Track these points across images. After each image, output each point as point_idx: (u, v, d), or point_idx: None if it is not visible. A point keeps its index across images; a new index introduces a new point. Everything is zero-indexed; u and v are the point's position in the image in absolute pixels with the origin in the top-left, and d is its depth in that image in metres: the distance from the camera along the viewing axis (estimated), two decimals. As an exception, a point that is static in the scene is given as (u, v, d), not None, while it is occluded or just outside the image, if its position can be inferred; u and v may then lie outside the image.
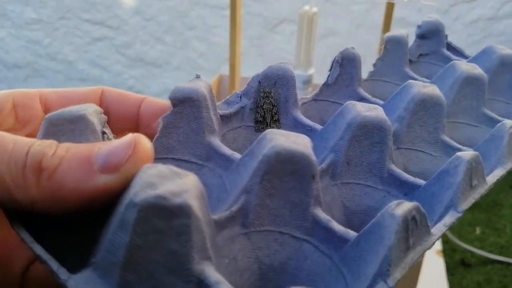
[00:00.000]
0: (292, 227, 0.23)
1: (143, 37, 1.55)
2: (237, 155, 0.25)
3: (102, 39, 1.59)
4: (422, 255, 0.21)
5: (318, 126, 0.30)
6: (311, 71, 0.77)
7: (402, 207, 0.20)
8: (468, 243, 1.17)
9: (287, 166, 0.22)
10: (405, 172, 0.31)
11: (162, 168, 0.18)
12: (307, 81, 0.76)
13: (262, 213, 0.22)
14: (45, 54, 1.64)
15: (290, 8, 1.36)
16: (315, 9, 0.74)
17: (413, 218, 0.20)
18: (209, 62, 1.52)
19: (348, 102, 0.28)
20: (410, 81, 0.33)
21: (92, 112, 0.23)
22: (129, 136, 0.20)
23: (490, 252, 1.14)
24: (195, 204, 0.18)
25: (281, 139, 0.22)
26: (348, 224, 0.27)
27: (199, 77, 0.27)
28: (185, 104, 0.26)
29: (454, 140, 0.33)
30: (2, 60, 1.67)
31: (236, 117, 0.31)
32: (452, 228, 1.17)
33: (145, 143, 0.20)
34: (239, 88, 0.59)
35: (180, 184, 0.18)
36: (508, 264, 1.11)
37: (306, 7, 0.74)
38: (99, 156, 0.19)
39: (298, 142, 0.22)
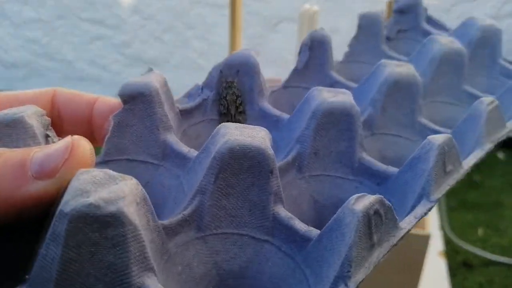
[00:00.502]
0: (252, 227, 0.21)
1: (142, 36, 1.55)
2: (195, 153, 0.24)
3: (101, 38, 1.58)
4: (390, 251, 0.20)
5: (286, 116, 0.29)
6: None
7: (363, 201, 0.18)
8: (470, 244, 1.16)
9: (243, 162, 0.20)
10: (382, 159, 0.30)
11: (96, 173, 0.17)
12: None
13: (219, 215, 0.21)
14: (44, 53, 1.63)
15: (290, 7, 1.35)
16: (315, 8, 0.73)
17: (376, 212, 0.18)
18: (209, 61, 1.51)
19: (314, 88, 0.27)
20: (383, 60, 0.32)
21: (31, 114, 0.21)
22: (67, 139, 0.19)
23: (492, 253, 1.14)
24: (132, 211, 0.16)
25: (235, 133, 0.21)
26: (318, 219, 0.26)
27: (152, 70, 0.26)
28: (136, 100, 0.24)
29: (434, 121, 0.32)
30: (1, 60, 1.66)
31: (198, 110, 0.29)
32: (454, 229, 1.16)
33: (84, 146, 0.19)
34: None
35: (115, 190, 0.16)
36: (510, 265, 1.10)
37: (307, 6, 0.73)
38: (34, 161, 0.18)
39: (253, 136, 0.21)
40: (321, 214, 0.26)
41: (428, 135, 0.31)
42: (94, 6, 1.53)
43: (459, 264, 1.12)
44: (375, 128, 0.31)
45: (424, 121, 0.31)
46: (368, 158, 0.26)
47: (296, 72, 0.34)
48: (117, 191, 0.16)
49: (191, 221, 0.21)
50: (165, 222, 0.20)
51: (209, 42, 1.50)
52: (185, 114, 0.28)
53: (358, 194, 0.19)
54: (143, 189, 0.18)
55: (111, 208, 0.16)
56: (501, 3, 1.32)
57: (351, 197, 0.19)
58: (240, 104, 0.29)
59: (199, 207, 0.21)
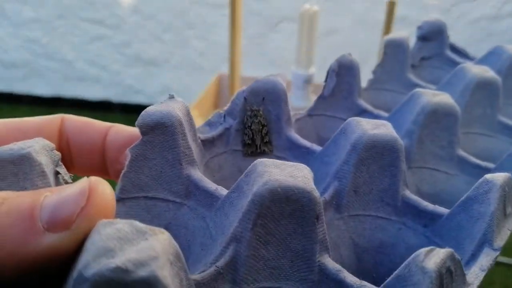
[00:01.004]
0: (295, 281, 0.19)
1: (142, 36, 1.54)
2: (223, 191, 0.21)
3: (100, 38, 1.57)
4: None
5: (316, 147, 0.27)
6: (312, 70, 0.75)
7: (434, 257, 0.16)
8: None
9: (285, 206, 0.18)
10: (419, 194, 0.27)
11: (121, 226, 0.14)
12: (308, 80, 0.74)
13: (257, 266, 0.18)
14: (43, 53, 1.62)
15: (290, 6, 1.35)
16: (316, 8, 0.72)
17: (448, 269, 0.16)
18: (209, 61, 1.51)
19: (350, 118, 0.25)
20: (418, 89, 0.29)
21: (39, 149, 0.18)
22: (83, 181, 0.16)
23: (492, 252, 1.12)
24: (166, 275, 0.13)
25: (275, 172, 0.18)
26: (359, 264, 0.23)
27: (173, 97, 0.23)
28: (157, 131, 0.22)
29: (468, 153, 0.30)
30: (0, 60, 1.65)
31: (221, 140, 0.27)
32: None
33: (104, 190, 0.16)
34: (239, 87, 0.56)
35: (145, 249, 0.13)
36: (510, 265, 1.08)
37: (307, 6, 0.72)
38: (45, 209, 0.15)
39: (296, 175, 0.18)
40: (361, 259, 0.24)
41: (468, 169, 0.28)
42: (94, 6, 1.52)
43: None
44: (411, 162, 0.28)
45: (463, 154, 0.29)
46: (412, 196, 0.24)
47: (322, 99, 0.32)
48: (148, 250, 0.13)
49: (225, 274, 0.18)
50: (197, 277, 0.17)
51: (209, 42, 1.49)
52: (206, 144, 0.26)
53: (426, 248, 0.16)
54: (176, 245, 0.15)
55: (142, 273, 0.13)
56: (501, 3, 1.32)
57: (418, 251, 0.16)
58: (266, 134, 0.27)
59: (234, 258, 0.18)
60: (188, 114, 0.24)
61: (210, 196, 0.22)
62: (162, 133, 0.22)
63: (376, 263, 0.23)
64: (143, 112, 0.22)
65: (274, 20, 1.43)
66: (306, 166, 0.20)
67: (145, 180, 0.22)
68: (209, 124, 0.27)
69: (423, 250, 0.16)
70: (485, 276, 0.19)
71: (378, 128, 0.24)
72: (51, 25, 1.58)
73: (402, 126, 0.29)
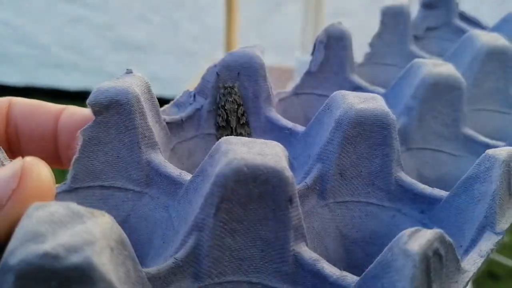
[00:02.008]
0: (266, 273, 0.18)
1: (127, 17, 1.53)
2: (188, 176, 0.21)
3: (79, 19, 1.56)
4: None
5: (300, 128, 0.26)
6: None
7: (419, 238, 0.15)
8: (496, 253, 1.14)
9: (252, 188, 0.18)
10: (420, 179, 0.27)
11: (55, 208, 0.14)
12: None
13: (222, 258, 0.18)
14: (15, 37, 1.60)
15: None
16: None
17: (436, 252, 0.16)
18: (202, 47, 1.49)
19: (336, 92, 0.25)
20: (417, 59, 0.29)
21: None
22: (16, 163, 0.16)
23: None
24: (105, 261, 0.13)
25: (241, 150, 0.18)
26: (347, 257, 0.23)
27: (131, 72, 0.23)
28: (111, 110, 0.22)
29: (478, 133, 0.30)
30: None
31: (190, 123, 0.27)
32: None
33: (38, 171, 0.16)
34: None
35: (81, 233, 0.13)
36: None
37: None
38: None
39: (265, 153, 0.18)
40: (349, 252, 0.23)
41: (476, 149, 0.28)
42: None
43: (484, 275, 1.10)
44: (411, 142, 0.28)
45: (469, 132, 0.29)
46: (407, 179, 0.24)
47: (309, 76, 0.32)
48: (83, 233, 0.13)
49: (185, 267, 0.18)
50: (152, 270, 0.17)
51: (202, 24, 1.47)
52: (174, 127, 0.26)
53: (411, 229, 0.16)
54: (120, 228, 0.15)
55: (75, 259, 0.13)
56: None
57: (401, 233, 0.16)
58: (243, 114, 0.27)
59: (195, 248, 0.18)
60: (148, 91, 0.24)
61: (173, 183, 0.22)
62: (117, 113, 0.22)
63: (367, 255, 0.23)
64: (95, 89, 0.22)
65: (276, 0, 1.42)
66: (278, 143, 0.19)
67: (100, 167, 0.22)
68: (177, 104, 0.27)
69: (407, 230, 0.16)
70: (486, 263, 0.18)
71: (366, 101, 0.24)
72: (24, 5, 1.56)
73: (400, 102, 0.29)
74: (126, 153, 0.22)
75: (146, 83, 0.23)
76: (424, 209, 0.23)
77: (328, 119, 0.24)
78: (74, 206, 0.14)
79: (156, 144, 0.23)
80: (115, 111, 0.22)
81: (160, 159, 0.22)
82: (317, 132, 0.25)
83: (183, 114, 0.26)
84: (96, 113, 0.22)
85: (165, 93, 1.02)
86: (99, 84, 0.22)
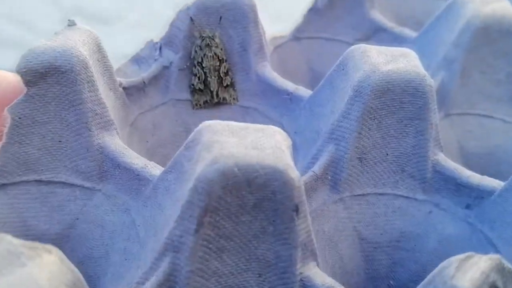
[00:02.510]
0: None
1: None
2: (156, 169, 0.21)
3: None
4: None
5: (304, 91, 0.26)
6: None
7: (471, 269, 0.15)
8: None
9: (246, 195, 0.17)
10: (461, 156, 0.27)
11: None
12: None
13: (206, 286, 0.18)
14: None
15: None
16: None
17: (493, 286, 0.15)
18: None
19: (354, 47, 0.24)
20: (461, -6, 0.29)
21: None
22: None
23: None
24: None
25: (230, 142, 0.18)
26: (368, 267, 0.23)
27: (74, 24, 0.23)
28: (49, 79, 0.21)
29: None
30: None
31: (156, 86, 0.27)
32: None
33: None
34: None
35: (21, 282, 0.13)
36: None
37: None
38: None
39: (262, 145, 0.18)
40: (371, 260, 0.24)
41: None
42: None
43: None
44: (451, 106, 0.28)
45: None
46: (449, 164, 0.23)
47: (314, 14, 0.31)
48: (24, 283, 0.13)
49: None
50: None
51: None
52: (134, 93, 0.26)
53: (460, 256, 0.16)
54: (72, 267, 0.15)
55: None
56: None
57: (447, 262, 0.16)
58: (226, 73, 0.27)
59: (170, 275, 0.18)
60: (99, 49, 0.23)
61: (136, 178, 0.21)
62: (58, 83, 0.21)
63: (394, 264, 0.23)
64: (26, 51, 0.21)
65: None
66: (279, 129, 0.19)
67: (36, 155, 0.22)
68: (138, 60, 0.27)
69: (455, 259, 0.16)
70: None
71: (395, 61, 0.23)
72: None
73: (437, 51, 0.28)
74: (71, 136, 0.22)
75: (95, 38, 0.23)
76: (470, 203, 0.23)
77: (343, 83, 0.24)
78: (9, 240, 0.14)
79: (111, 123, 0.22)
80: (54, 81, 0.21)
81: (117, 144, 0.22)
82: (328, 100, 0.24)
83: (145, 74, 0.26)
84: (28, 83, 0.21)
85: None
86: (32, 47, 0.21)
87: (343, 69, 0.24)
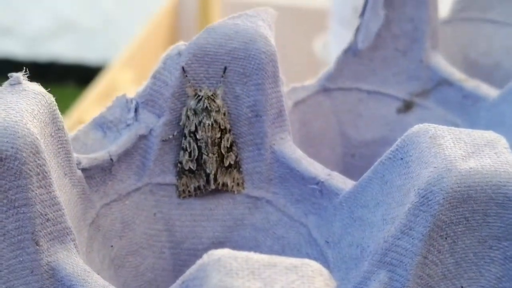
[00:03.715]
0: None
1: None
2: None
3: None
4: None
5: (341, 180, 0.26)
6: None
7: None
8: None
9: None
10: None
11: None
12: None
13: None
14: None
15: None
16: None
17: None
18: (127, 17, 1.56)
19: (417, 128, 0.24)
20: None
21: None
22: None
23: None
24: None
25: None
26: None
27: (18, 83, 0.23)
28: None
29: None
30: None
31: (128, 164, 0.27)
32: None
33: None
34: (221, 15, 0.57)
35: None
36: None
37: None
38: None
39: None
40: None
41: None
42: None
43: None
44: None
45: None
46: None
47: (351, 56, 0.31)
48: None
49: None
50: None
51: None
52: (96, 174, 0.26)
53: None
54: None
55: None
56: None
57: None
58: (230, 148, 0.27)
59: None
60: (53, 120, 0.23)
61: None
62: None
63: None
64: None
65: None
66: (320, 267, 0.19)
67: None
68: (102, 125, 0.27)
69: None
70: None
71: (478, 153, 0.23)
72: None
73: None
74: (8, 251, 0.22)
75: (49, 104, 0.23)
76: None
77: (402, 179, 0.24)
78: None
79: (67, 231, 0.22)
80: None
81: (76, 264, 0.22)
82: (377, 201, 0.24)
83: (113, 147, 0.26)
84: None
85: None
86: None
87: (401, 159, 0.24)
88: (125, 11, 1.63)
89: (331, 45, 0.74)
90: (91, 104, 0.73)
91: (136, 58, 0.81)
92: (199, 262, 0.19)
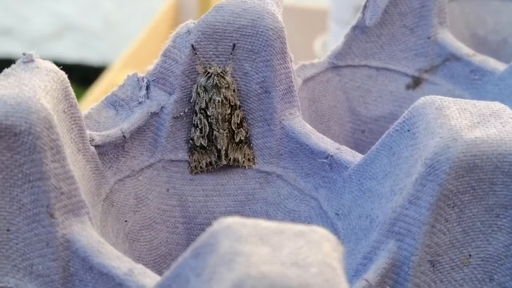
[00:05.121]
0: None
1: None
2: (144, 276, 0.22)
3: None
4: None
5: (350, 154, 0.26)
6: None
7: None
8: None
9: None
10: None
11: None
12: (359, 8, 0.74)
13: None
14: None
15: None
16: None
17: None
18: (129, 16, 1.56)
19: (423, 100, 0.24)
20: None
21: None
22: None
23: None
24: None
25: (259, 255, 0.18)
26: None
27: (31, 61, 0.23)
28: None
29: None
30: None
31: (141, 141, 0.27)
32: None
33: None
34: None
35: None
36: None
37: None
38: None
39: (305, 261, 0.18)
40: None
41: None
42: None
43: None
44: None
45: None
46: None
47: (360, 34, 0.31)
48: None
49: None
50: None
51: None
52: (109, 152, 0.26)
53: None
54: None
55: None
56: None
57: None
58: (240, 124, 0.27)
59: None
60: (66, 96, 0.23)
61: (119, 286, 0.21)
62: (7, 148, 0.22)
63: None
64: None
65: None
66: (327, 233, 0.19)
67: None
68: (114, 103, 0.27)
69: None
70: None
71: (484, 123, 0.23)
72: None
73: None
74: (24, 224, 0.22)
75: (61, 81, 0.23)
76: None
77: (409, 150, 0.24)
78: None
79: (81, 205, 0.22)
80: (3, 146, 0.21)
81: (91, 236, 0.22)
82: (385, 173, 0.24)
83: (125, 124, 0.26)
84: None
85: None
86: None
87: (408, 130, 0.24)
88: (126, 12, 1.62)
89: (331, 45, 0.74)
90: (93, 104, 0.73)
91: (137, 59, 0.81)
92: (209, 229, 0.19)
